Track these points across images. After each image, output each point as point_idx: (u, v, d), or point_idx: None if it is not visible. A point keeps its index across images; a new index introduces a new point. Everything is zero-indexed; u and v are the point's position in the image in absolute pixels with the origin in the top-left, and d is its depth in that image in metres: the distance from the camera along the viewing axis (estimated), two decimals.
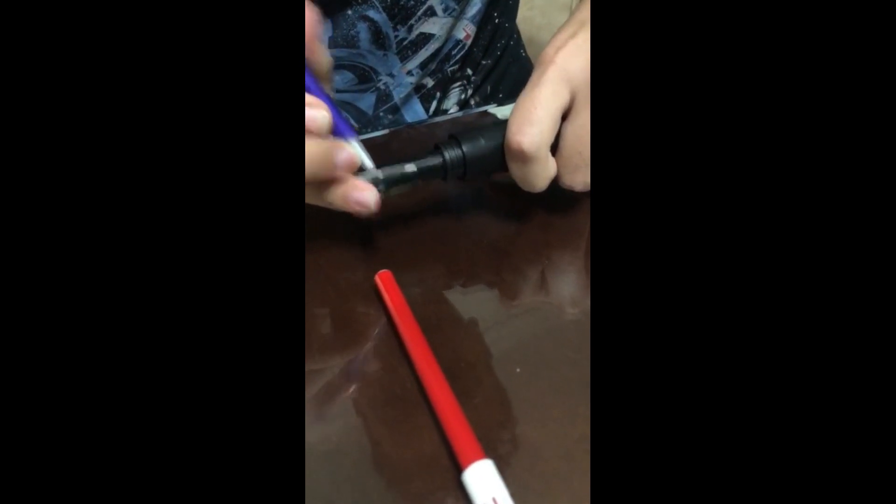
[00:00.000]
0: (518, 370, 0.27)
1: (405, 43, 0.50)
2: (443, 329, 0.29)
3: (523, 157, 0.30)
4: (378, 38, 0.49)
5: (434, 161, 0.31)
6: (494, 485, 0.21)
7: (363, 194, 0.29)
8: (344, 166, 0.28)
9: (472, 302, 0.31)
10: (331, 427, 0.25)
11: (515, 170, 0.31)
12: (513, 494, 0.21)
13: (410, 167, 0.31)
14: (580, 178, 0.32)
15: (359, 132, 0.54)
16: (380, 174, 0.30)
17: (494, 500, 0.21)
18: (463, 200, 0.37)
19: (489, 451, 0.23)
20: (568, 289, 0.32)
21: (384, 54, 0.50)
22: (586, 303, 0.30)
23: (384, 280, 0.30)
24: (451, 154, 0.31)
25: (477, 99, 0.57)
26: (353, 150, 0.29)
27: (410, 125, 0.48)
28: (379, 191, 0.31)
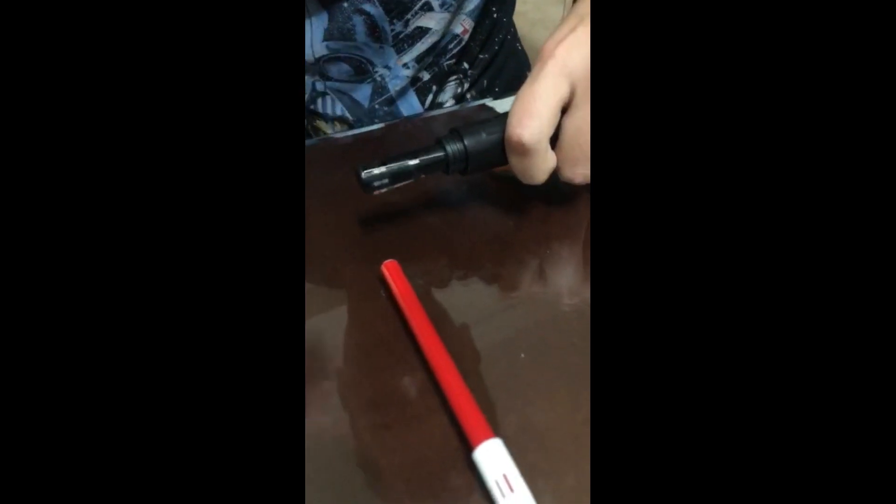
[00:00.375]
0: (523, 356, 0.28)
1: (401, 36, 0.51)
2: (447, 318, 0.30)
3: (523, 150, 0.31)
4: (374, 31, 0.49)
5: (436, 155, 0.32)
6: (504, 462, 0.22)
7: None
8: None
9: (476, 292, 0.32)
10: (342, 412, 0.26)
11: (516, 163, 0.32)
12: (521, 474, 0.22)
13: (413, 161, 0.32)
14: (580, 171, 0.32)
15: (354, 125, 0.54)
16: (383, 169, 0.31)
17: (505, 476, 0.22)
18: (465, 193, 0.38)
19: (497, 432, 0.24)
20: (569, 278, 0.33)
21: (380, 47, 0.51)
22: (587, 291, 0.31)
23: (390, 269, 0.31)
24: (452, 148, 0.32)
25: (473, 93, 0.57)
26: None
27: (408, 118, 0.48)
28: (382, 185, 0.31)
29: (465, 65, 0.56)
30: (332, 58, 0.51)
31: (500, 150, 0.32)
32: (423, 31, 0.51)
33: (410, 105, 0.55)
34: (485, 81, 0.57)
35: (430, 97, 0.56)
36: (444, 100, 0.57)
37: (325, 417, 0.26)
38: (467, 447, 0.23)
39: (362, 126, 0.49)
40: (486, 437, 0.23)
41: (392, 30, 0.50)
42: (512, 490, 0.21)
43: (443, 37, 0.53)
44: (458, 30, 0.53)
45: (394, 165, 0.31)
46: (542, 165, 0.31)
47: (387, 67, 0.53)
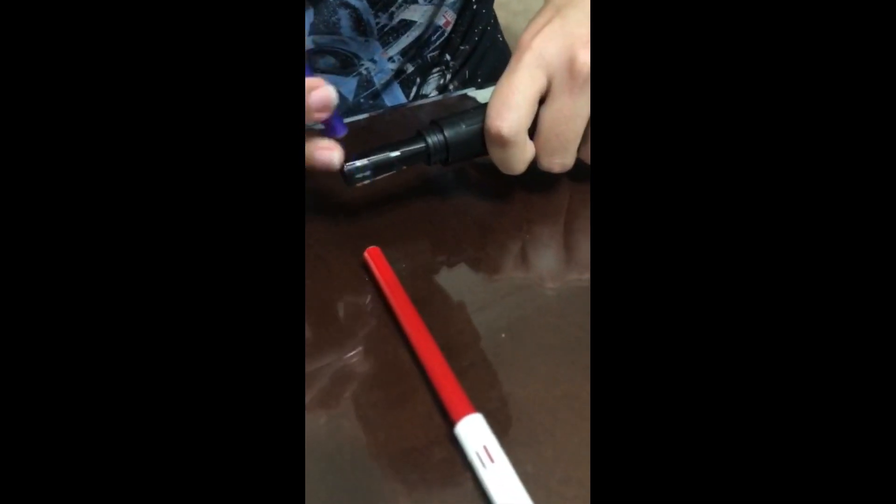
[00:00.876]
0: (503, 336, 0.29)
1: (386, 29, 0.51)
2: (431, 302, 0.31)
3: (502, 142, 0.31)
4: (359, 24, 0.50)
5: (417, 146, 0.33)
6: (485, 435, 0.23)
7: (326, 154, 0.30)
8: (317, 107, 0.29)
9: (458, 276, 0.33)
10: (328, 394, 0.27)
11: (495, 153, 0.33)
12: (501, 446, 0.23)
13: (394, 153, 0.32)
14: (558, 161, 0.33)
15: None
16: (365, 161, 0.32)
17: (485, 448, 0.22)
18: (447, 179, 0.39)
19: (479, 408, 0.24)
20: (549, 261, 0.33)
21: (366, 40, 0.51)
22: (566, 274, 0.32)
23: (373, 256, 0.32)
24: (433, 139, 0.33)
25: (456, 84, 0.58)
26: (327, 91, 0.29)
27: (393, 108, 0.49)
28: (365, 177, 0.32)
29: (448, 56, 0.57)
30: (318, 51, 0.51)
31: (480, 140, 0.33)
32: (407, 24, 0.52)
33: (395, 97, 0.56)
34: (466, 72, 0.58)
35: (414, 89, 0.57)
36: (427, 91, 0.57)
37: (312, 400, 0.27)
38: (449, 423, 0.24)
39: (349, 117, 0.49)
40: (467, 413, 0.24)
41: (377, 23, 0.50)
42: (492, 461, 0.22)
43: (426, 29, 0.53)
44: (441, 21, 0.54)
45: (375, 158, 0.32)
46: (520, 156, 0.32)
47: (372, 61, 0.53)
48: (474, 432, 0.23)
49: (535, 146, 0.33)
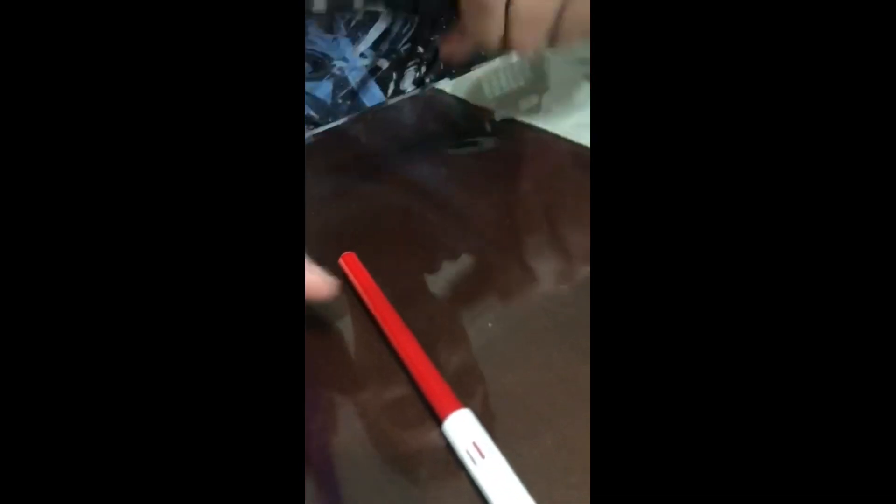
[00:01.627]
0: (490, 325, 0.28)
1: (353, 24, 0.50)
2: (414, 300, 0.29)
3: (480, 7, 0.31)
4: (324, 21, 0.49)
5: None
6: (474, 430, 0.22)
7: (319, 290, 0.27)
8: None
9: (439, 270, 0.31)
10: (315, 402, 0.26)
11: (469, 20, 0.32)
12: (499, 440, 0.22)
13: None
14: (529, 38, 0.32)
15: (318, 123, 0.54)
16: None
17: (475, 444, 0.21)
18: (423, 175, 0.38)
19: (471, 402, 0.23)
20: (533, 245, 0.32)
21: (334, 38, 0.50)
22: (551, 256, 0.31)
23: (348, 261, 0.31)
24: None
25: (432, 76, 0.57)
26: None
27: (372, 108, 0.48)
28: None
29: (420, 48, 0.56)
30: None
31: None
32: (373, 16, 0.51)
33: (373, 96, 0.55)
34: (441, 64, 0.57)
35: (391, 85, 0.56)
36: (405, 87, 0.56)
37: None
38: (438, 422, 0.23)
39: (328, 123, 0.49)
40: (454, 409, 0.23)
41: (342, 17, 0.50)
42: (483, 456, 0.21)
43: (394, 21, 0.52)
44: None
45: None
46: (494, 26, 0.32)
47: (344, 59, 0.52)
48: (462, 428, 0.22)
49: (508, 19, 0.32)
